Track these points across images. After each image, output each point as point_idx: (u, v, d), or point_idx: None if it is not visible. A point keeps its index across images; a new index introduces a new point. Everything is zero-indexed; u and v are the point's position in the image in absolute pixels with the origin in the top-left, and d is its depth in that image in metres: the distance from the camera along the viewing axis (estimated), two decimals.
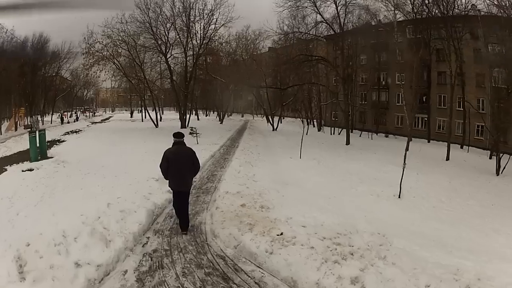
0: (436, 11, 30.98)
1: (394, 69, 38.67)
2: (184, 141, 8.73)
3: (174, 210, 8.76)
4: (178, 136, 8.52)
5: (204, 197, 11.35)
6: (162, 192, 10.84)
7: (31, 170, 15.75)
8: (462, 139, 32.07)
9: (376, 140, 35.89)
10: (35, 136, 18.83)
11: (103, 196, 9.95)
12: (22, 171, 15.68)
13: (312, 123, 49.11)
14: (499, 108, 28.12)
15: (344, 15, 32.01)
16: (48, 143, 25.09)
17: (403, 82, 32.80)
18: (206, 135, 26.44)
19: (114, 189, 10.97)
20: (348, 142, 30.16)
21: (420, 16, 32.88)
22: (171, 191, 8.62)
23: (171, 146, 8.47)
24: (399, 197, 12.88)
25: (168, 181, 8.49)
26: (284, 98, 43.46)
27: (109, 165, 15.50)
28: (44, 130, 20.72)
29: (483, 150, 29.14)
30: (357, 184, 14.65)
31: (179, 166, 8.18)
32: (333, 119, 45.58)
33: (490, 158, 26.15)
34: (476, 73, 31.92)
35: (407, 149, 23.60)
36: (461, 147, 31.39)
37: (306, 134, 35.43)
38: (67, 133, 35.60)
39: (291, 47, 38.58)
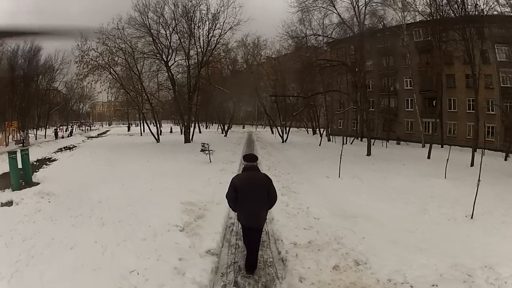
0: (456, 10, 27.43)
1: (402, 73, 35.82)
2: (257, 165, 6.75)
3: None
4: (250, 159, 6.67)
5: (262, 254, 7.26)
6: (200, 255, 6.85)
7: (10, 204, 11.61)
8: (475, 142, 28.17)
9: (391, 148, 32.18)
10: (16, 157, 14.45)
11: (106, 267, 5.99)
12: (1, 204, 11.57)
13: (319, 132, 45.38)
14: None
15: (364, 15, 28.61)
16: (38, 163, 21.54)
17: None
18: (217, 151, 21.91)
19: (121, 249, 6.90)
20: (369, 153, 26.31)
21: (438, 16, 29.44)
22: (240, 224, 6.94)
23: (240, 172, 6.93)
24: (472, 217, 10.42)
25: (236, 213, 6.67)
26: (294, 107, 39.34)
27: (107, 200, 11.24)
28: (27, 149, 16.11)
29: (495, 151, 27.49)
30: (423, 207, 11.43)
31: (251, 197, 6.33)
32: (339, 127, 41.71)
33: (505, 159, 25.40)
34: (485, 74, 29.14)
35: (444, 158, 21.94)
36: (475, 150, 27.16)
37: (320, 145, 32.40)
38: (60, 149, 30.76)
39: (303, 54, 34.98)
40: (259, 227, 6.61)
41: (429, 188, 14.16)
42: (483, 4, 26.64)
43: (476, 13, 27.02)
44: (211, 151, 20.11)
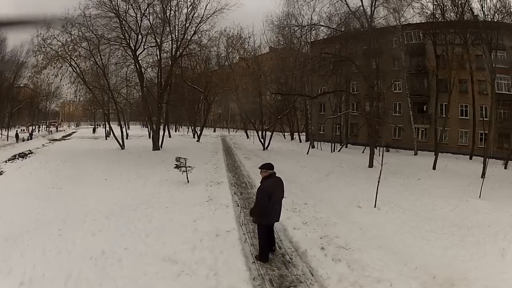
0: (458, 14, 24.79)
1: (391, 76, 30.82)
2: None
3: (262, 247, 7.01)
4: (271, 167, 7.09)
5: None
6: None
7: None
8: (471, 150, 27.05)
9: (385, 156, 27.06)
10: None
11: None
12: None
13: (299, 137, 40.64)
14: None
15: (373, 8, 23.69)
16: None
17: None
18: (194, 164, 15.49)
19: None
20: (371, 164, 21.18)
21: (440, 19, 26.69)
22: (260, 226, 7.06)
23: (265, 179, 6.95)
24: None
25: (259, 217, 6.90)
26: (278, 110, 33.50)
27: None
28: None
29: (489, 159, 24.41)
30: (495, 245, 8.36)
31: (278, 198, 7.04)
32: (321, 132, 36.72)
33: (505, 168, 23.14)
34: (479, 79, 26.72)
35: (449, 168, 20.85)
36: (470, 158, 26.46)
37: (307, 153, 27.17)
38: (14, 157, 24.84)
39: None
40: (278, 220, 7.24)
41: (477, 215, 11.04)
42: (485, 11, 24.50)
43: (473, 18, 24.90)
44: (189, 169, 14.17)
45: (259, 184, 7.01)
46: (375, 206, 11.19)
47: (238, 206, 10.88)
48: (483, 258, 7.56)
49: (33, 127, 53.08)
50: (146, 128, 46.10)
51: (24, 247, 7.69)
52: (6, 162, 22.46)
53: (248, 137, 40.03)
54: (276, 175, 7.11)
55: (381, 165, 11.91)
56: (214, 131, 62.13)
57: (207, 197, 11.67)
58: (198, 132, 41.23)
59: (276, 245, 7.61)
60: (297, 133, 42.07)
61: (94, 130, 57.53)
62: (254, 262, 6.74)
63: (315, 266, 6.55)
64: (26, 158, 24.67)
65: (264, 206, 6.66)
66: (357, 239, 8.11)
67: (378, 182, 11.52)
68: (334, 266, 6.51)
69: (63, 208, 10.59)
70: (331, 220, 9.38)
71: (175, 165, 14.30)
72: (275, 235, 7.57)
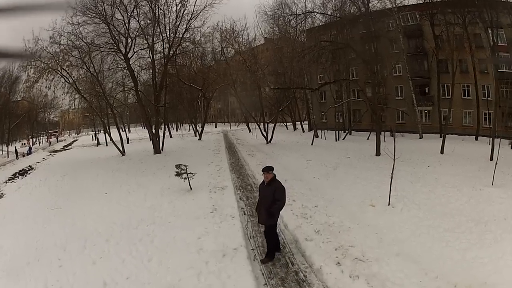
0: None
1: (390, 60, 30.27)
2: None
3: (275, 246, 7.35)
4: (273, 169, 7.31)
5: None
6: None
7: None
8: (477, 131, 26.54)
9: (390, 142, 26.53)
10: None
11: None
12: None
13: (301, 128, 39.96)
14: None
15: None
16: None
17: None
18: (196, 169, 15.09)
19: None
20: (378, 153, 20.68)
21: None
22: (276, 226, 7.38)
23: (273, 180, 7.19)
24: None
25: (278, 216, 7.30)
26: (278, 102, 32.86)
27: None
28: None
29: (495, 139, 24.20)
30: None
31: None
32: (323, 121, 35.94)
33: None
34: (478, 58, 26.05)
35: (457, 152, 20.24)
36: (476, 139, 25.95)
37: (312, 144, 26.64)
38: (14, 175, 24.17)
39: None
40: None
41: (492, 206, 10.51)
42: None
43: None
44: (190, 175, 13.57)
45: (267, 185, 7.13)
46: (389, 204, 10.54)
47: (244, 214, 10.25)
48: (501, 259, 7.25)
49: (33, 140, 52.59)
50: (147, 130, 45.39)
51: (26, 282, 7.35)
52: (6, 182, 21.89)
53: (250, 131, 39.38)
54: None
55: (394, 160, 11.09)
56: (216, 126, 61.56)
57: (211, 207, 11.00)
58: (199, 130, 40.74)
59: (288, 259, 7.20)
60: (299, 123, 41.38)
61: (94, 137, 56.87)
62: (266, 284, 6.20)
63: (331, 285, 6.04)
64: (26, 175, 24.07)
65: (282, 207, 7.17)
66: (374, 246, 7.58)
67: (391, 178, 10.85)
68: (352, 285, 6.02)
69: (62, 232, 10.14)
70: (344, 225, 8.85)
71: (175, 173, 13.68)
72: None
